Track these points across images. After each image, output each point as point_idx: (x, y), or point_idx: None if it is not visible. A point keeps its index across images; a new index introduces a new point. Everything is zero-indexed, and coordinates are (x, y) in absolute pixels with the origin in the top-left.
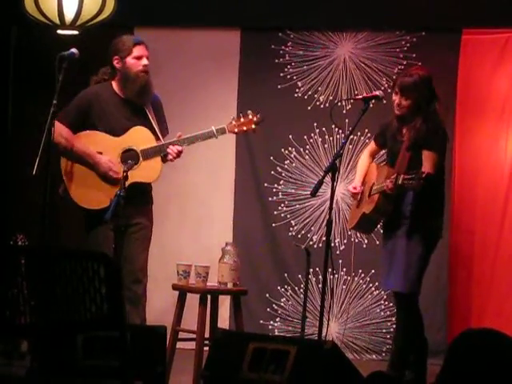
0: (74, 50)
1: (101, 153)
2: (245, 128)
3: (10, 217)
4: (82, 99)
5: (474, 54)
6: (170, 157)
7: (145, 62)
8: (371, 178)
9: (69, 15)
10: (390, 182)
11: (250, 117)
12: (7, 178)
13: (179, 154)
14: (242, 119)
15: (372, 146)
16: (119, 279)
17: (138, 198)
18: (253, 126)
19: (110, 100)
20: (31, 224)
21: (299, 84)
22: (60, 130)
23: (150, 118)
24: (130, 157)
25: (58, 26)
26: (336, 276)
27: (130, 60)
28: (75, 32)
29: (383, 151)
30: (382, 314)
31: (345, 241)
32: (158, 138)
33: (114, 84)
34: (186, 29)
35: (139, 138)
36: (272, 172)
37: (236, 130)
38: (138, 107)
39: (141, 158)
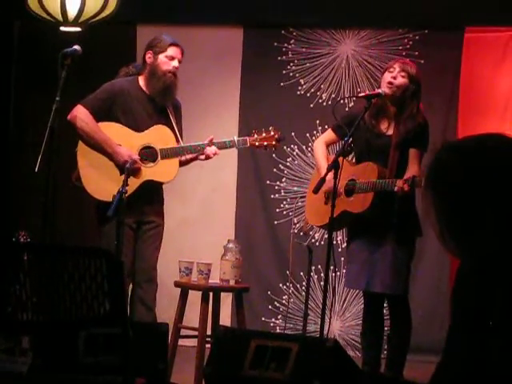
0: (76, 46)
1: (120, 145)
2: (265, 143)
3: (12, 214)
4: (109, 91)
5: (477, 53)
6: (202, 157)
7: (175, 63)
8: (345, 173)
9: (72, 12)
10: (405, 183)
11: (272, 133)
12: (9, 174)
13: (214, 155)
14: (263, 134)
15: (330, 135)
16: (122, 276)
17: (153, 197)
18: (273, 143)
19: (135, 95)
20: (33, 221)
21: (302, 81)
22: (82, 115)
23: (172, 119)
24: (148, 154)
25: (61, 23)
26: (338, 273)
27: (161, 57)
28: (78, 29)
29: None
30: (384, 311)
31: (346, 238)
32: (177, 140)
33: (141, 80)
34: (189, 26)
35: (160, 136)
36: (274, 169)
37: (257, 144)
38: (161, 106)
39: (159, 157)
